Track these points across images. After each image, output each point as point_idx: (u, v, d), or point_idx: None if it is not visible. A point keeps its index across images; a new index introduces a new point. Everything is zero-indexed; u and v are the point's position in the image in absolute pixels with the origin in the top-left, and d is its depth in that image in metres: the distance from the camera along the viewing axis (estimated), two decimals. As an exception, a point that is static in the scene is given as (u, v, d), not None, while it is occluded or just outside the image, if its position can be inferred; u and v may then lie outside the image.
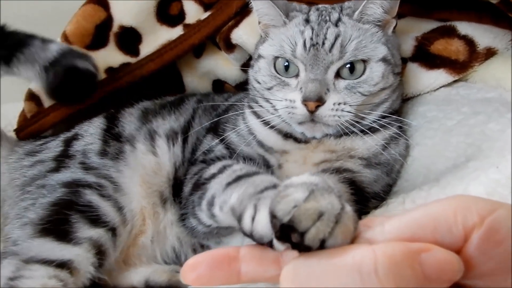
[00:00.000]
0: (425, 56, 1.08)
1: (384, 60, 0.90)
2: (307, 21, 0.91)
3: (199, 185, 0.85)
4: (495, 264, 0.41)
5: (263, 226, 0.53)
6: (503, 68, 1.02)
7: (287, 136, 0.94)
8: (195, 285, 0.48)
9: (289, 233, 0.44)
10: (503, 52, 1.05)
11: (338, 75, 0.88)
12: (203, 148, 1.00)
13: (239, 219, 0.60)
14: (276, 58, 0.91)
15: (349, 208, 0.46)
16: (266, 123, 0.95)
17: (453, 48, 1.05)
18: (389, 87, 0.92)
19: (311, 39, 0.87)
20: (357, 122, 0.89)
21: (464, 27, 1.07)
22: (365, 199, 0.90)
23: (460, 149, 0.86)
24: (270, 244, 0.52)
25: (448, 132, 0.92)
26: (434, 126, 0.96)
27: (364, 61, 0.89)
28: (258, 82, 0.95)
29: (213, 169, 0.85)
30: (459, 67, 1.05)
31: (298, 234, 0.43)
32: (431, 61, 1.07)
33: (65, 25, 1.23)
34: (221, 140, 0.98)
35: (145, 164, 1.00)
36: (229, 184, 0.73)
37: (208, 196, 0.78)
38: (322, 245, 0.43)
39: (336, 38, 0.86)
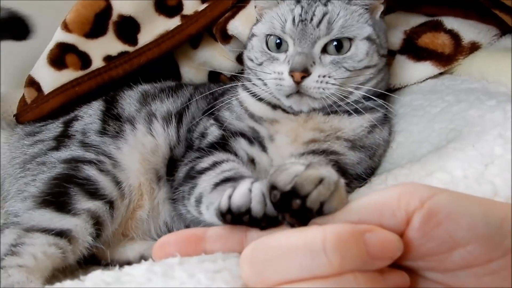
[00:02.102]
0: (413, 49, 1.13)
1: (368, 38, 0.95)
2: (298, 1, 0.97)
3: (191, 177, 0.89)
4: (435, 244, 0.44)
5: (241, 195, 0.56)
6: (486, 61, 1.07)
7: (275, 107, 1.00)
8: None
9: (289, 201, 0.48)
10: (486, 46, 1.11)
11: (325, 51, 0.93)
12: (199, 130, 1.04)
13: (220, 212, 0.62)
14: (268, 36, 0.97)
15: (342, 180, 0.51)
16: (256, 96, 1.01)
17: (439, 41, 1.10)
18: (374, 67, 0.97)
19: (300, 15, 0.93)
20: (343, 98, 0.93)
21: (450, 22, 1.12)
22: (348, 180, 0.95)
23: (443, 134, 0.90)
24: (247, 219, 0.55)
25: (432, 118, 0.96)
26: (419, 114, 1.00)
27: (350, 39, 0.94)
28: (251, 60, 1.01)
29: (204, 163, 0.90)
30: (445, 59, 1.10)
31: (300, 199, 0.47)
32: (419, 53, 1.12)
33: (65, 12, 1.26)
34: (215, 120, 1.03)
35: (145, 144, 1.04)
36: (216, 185, 0.78)
37: (196, 193, 0.83)
38: (320, 209, 0.47)
39: (324, 15, 0.92)
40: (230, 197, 0.58)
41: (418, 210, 0.44)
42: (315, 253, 0.41)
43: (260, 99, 1.01)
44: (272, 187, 0.50)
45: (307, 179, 0.47)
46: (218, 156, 0.92)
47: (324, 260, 0.41)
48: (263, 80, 0.98)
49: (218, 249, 0.53)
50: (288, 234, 0.46)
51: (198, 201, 0.81)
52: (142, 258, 0.94)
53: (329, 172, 0.49)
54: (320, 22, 0.92)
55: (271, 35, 0.97)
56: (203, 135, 1.01)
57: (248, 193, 0.56)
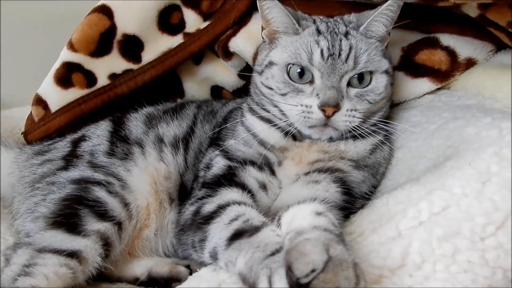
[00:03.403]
0: (410, 65, 1.16)
1: (386, 72, 0.99)
2: (318, 31, 0.98)
3: (198, 225, 0.89)
4: None
5: None
6: (483, 77, 1.10)
7: (286, 134, 1.00)
8: None
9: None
10: (482, 62, 1.14)
11: (348, 84, 0.96)
12: (205, 161, 1.05)
13: (253, 287, 0.66)
14: (290, 65, 0.97)
15: (361, 272, 0.53)
16: (270, 123, 1.02)
17: (436, 58, 1.14)
18: (386, 97, 1.01)
19: (328, 49, 0.94)
20: (356, 127, 0.96)
21: (446, 39, 1.15)
22: (353, 199, 0.98)
23: (440, 150, 0.93)
24: None
25: (430, 135, 0.99)
26: (418, 130, 1.03)
27: (371, 72, 0.97)
28: (270, 88, 1.00)
29: (210, 205, 0.90)
30: (442, 76, 1.13)
31: None
32: (416, 70, 1.15)
33: (66, 26, 1.28)
34: (221, 150, 1.03)
35: (158, 169, 1.06)
36: (230, 240, 0.78)
37: (209, 247, 0.83)
38: None
39: (350, 49, 0.94)
40: None
41: None
42: None
43: (274, 126, 1.01)
44: (289, 268, 0.52)
45: (323, 286, 0.50)
46: (222, 196, 0.91)
47: None
48: (282, 110, 0.99)
49: None
50: None
51: (214, 257, 0.82)
52: (150, 274, 0.97)
53: (347, 280, 0.51)
54: (348, 56, 0.94)
55: (294, 64, 0.97)
56: (208, 166, 1.02)
57: None
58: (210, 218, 0.86)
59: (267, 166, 0.99)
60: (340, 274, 0.51)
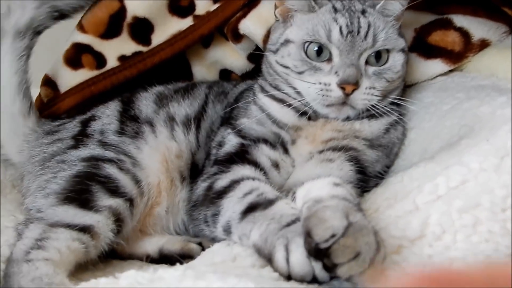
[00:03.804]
0: (423, 46, 1.15)
1: (403, 50, 0.99)
2: (335, 9, 0.97)
3: (210, 200, 0.88)
4: None
5: (302, 266, 0.57)
6: (496, 58, 1.09)
7: (301, 114, 0.99)
8: None
9: (322, 256, 0.50)
10: (496, 43, 1.12)
11: (366, 62, 0.95)
12: (217, 139, 1.05)
13: (268, 258, 0.66)
14: (307, 42, 0.96)
15: (383, 252, 0.52)
16: (282, 101, 1.01)
17: (449, 39, 1.12)
18: (403, 75, 1.01)
19: (347, 26, 0.93)
20: (373, 106, 0.95)
21: (460, 20, 1.14)
22: (367, 178, 0.97)
23: (454, 130, 0.92)
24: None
25: (443, 115, 0.98)
26: (431, 111, 1.02)
27: (387, 51, 0.96)
28: (286, 67, 0.99)
29: (223, 181, 0.89)
30: (455, 57, 1.12)
31: (331, 263, 0.48)
32: (429, 51, 1.14)
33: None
34: (233, 128, 1.02)
35: (170, 148, 1.06)
36: (244, 214, 0.78)
37: (222, 221, 0.83)
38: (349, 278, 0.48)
39: (369, 27, 0.93)
40: (287, 260, 0.59)
41: None
42: None
43: (288, 105, 1.00)
44: (308, 234, 0.51)
45: (343, 250, 0.49)
46: (236, 172, 0.91)
47: None
48: (296, 89, 0.98)
49: None
50: None
51: (227, 231, 0.81)
52: (161, 252, 0.97)
53: (368, 245, 0.50)
54: (367, 34, 0.93)
55: (312, 42, 0.95)
56: (220, 144, 1.02)
57: (308, 262, 0.57)
58: (223, 192, 0.85)
59: (280, 144, 0.98)
60: (361, 239, 0.50)
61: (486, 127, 0.85)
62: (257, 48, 1.32)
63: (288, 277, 0.61)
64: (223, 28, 1.34)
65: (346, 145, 0.96)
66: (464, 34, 1.12)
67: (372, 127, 0.99)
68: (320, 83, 0.93)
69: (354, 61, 0.92)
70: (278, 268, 0.61)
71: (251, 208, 0.77)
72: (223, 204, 0.83)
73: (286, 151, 0.99)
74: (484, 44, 1.11)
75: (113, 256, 0.96)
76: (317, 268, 0.56)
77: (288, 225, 0.67)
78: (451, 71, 1.14)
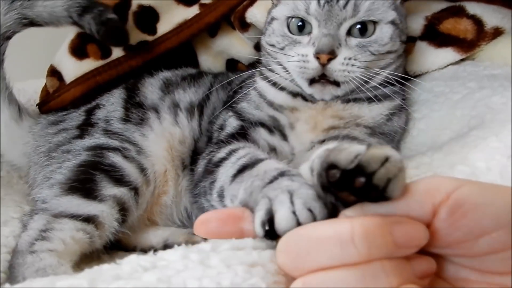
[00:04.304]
0: (434, 35, 1.11)
1: (393, 23, 0.94)
2: None
3: (209, 170, 0.88)
4: (461, 234, 0.46)
5: (287, 220, 0.52)
6: (510, 47, 1.06)
7: (295, 95, 0.99)
8: (205, 237, 0.55)
9: (351, 179, 0.47)
10: (510, 32, 1.09)
11: (349, 33, 0.92)
12: (218, 122, 1.04)
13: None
14: (290, 18, 0.95)
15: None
16: (275, 84, 1.00)
17: (462, 27, 1.09)
18: (395, 52, 0.97)
19: None
20: (363, 83, 0.92)
21: (473, 7, 1.10)
22: None
23: (465, 120, 0.90)
24: None
25: (454, 105, 0.96)
26: (441, 100, 0.99)
27: (374, 23, 0.93)
28: (271, 45, 0.99)
29: (221, 153, 0.89)
30: (467, 45, 1.09)
31: (365, 177, 0.46)
32: (440, 39, 1.11)
33: None
34: (234, 112, 1.02)
35: (173, 134, 1.05)
36: (234, 176, 0.76)
37: (217, 187, 0.82)
38: (385, 187, 0.45)
39: None
40: (264, 222, 0.53)
41: (444, 202, 0.46)
42: (344, 243, 0.44)
43: (281, 88, 1.00)
44: (331, 166, 0.48)
45: (373, 157, 0.47)
46: (235, 144, 0.90)
47: (353, 250, 0.44)
48: (284, 67, 0.97)
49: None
50: (318, 225, 0.49)
51: (221, 196, 0.80)
52: (165, 244, 0.96)
53: (392, 151, 0.48)
54: (346, 3, 0.90)
55: (293, 17, 0.95)
56: (221, 127, 1.01)
57: (293, 216, 0.52)
58: (221, 161, 0.84)
59: (277, 129, 0.97)
60: (384, 147, 0.49)
61: (497, 119, 0.83)
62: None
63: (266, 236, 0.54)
64: (230, 16, 1.32)
65: (348, 134, 0.94)
66: (477, 22, 1.08)
67: (372, 112, 0.97)
68: (298, 55, 0.92)
69: (332, 31, 0.90)
70: (255, 229, 0.55)
71: (241, 170, 0.75)
72: (219, 171, 0.82)
73: (284, 137, 0.97)
74: (497, 32, 1.08)
75: (119, 248, 0.96)
76: (317, 209, 0.53)
77: (271, 181, 0.63)
78: (462, 59, 1.11)
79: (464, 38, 1.08)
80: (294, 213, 0.53)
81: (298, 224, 0.52)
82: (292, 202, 0.54)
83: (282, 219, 0.52)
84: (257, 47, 1.34)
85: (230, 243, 0.51)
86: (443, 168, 0.77)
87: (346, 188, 0.48)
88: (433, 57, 1.10)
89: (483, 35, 1.08)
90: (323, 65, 0.88)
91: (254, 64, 1.36)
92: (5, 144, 1.13)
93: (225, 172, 0.80)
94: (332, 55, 0.88)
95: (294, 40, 0.95)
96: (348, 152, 0.48)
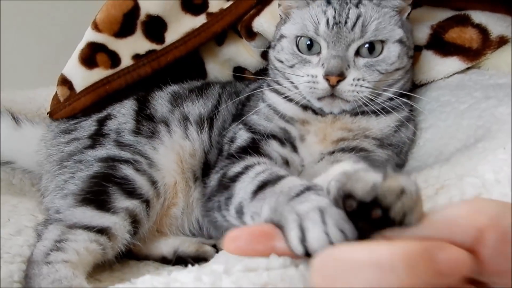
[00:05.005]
0: (439, 44, 1.13)
1: (400, 41, 0.96)
2: (328, 2, 0.97)
3: (224, 185, 0.88)
4: (510, 262, 0.43)
5: (319, 240, 0.51)
6: (516, 55, 1.07)
7: (306, 108, 1.00)
8: (235, 253, 0.53)
9: (368, 211, 0.47)
10: (516, 40, 1.10)
11: (357, 53, 0.94)
12: (229, 135, 1.06)
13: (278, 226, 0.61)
14: (299, 37, 0.97)
15: (420, 189, 0.49)
16: (286, 97, 1.02)
17: (467, 36, 1.10)
18: (403, 68, 0.98)
19: (334, 17, 0.93)
20: (372, 100, 0.94)
21: (478, 16, 1.11)
22: None
23: (471, 130, 0.91)
24: None
25: (460, 115, 0.97)
26: (447, 110, 1.00)
27: (382, 42, 0.95)
28: (280, 61, 1.01)
29: (236, 167, 0.89)
30: (472, 54, 1.10)
31: (381, 210, 0.46)
32: (445, 48, 1.12)
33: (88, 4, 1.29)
34: (244, 124, 1.03)
35: (184, 147, 1.07)
36: (255, 193, 0.77)
37: (235, 203, 0.82)
38: (402, 220, 0.46)
39: (358, 18, 0.92)
40: (302, 240, 0.53)
41: (492, 228, 0.44)
42: (383, 269, 0.42)
43: (290, 100, 1.02)
44: (348, 196, 0.49)
45: (389, 190, 0.47)
46: (249, 160, 0.91)
47: (392, 276, 0.41)
48: (293, 83, 0.99)
49: (285, 247, 0.54)
50: (356, 248, 0.46)
51: (239, 212, 0.80)
52: (176, 253, 0.98)
53: (409, 182, 0.48)
54: (354, 25, 0.92)
55: (302, 36, 0.97)
56: (232, 140, 1.02)
57: (326, 237, 0.52)
58: (237, 176, 0.85)
59: (288, 141, 0.99)
60: (400, 178, 0.48)
61: (504, 129, 0.84)
62: (271, 45, 1.31)
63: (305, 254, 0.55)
64: (237, 25, 1.34)
65: (357, 146, 0.95)
66: (482, 30, 1.09)
67: (380, 124, 0.98)
68: (308, 75, 0.94)
69: (341, 52, 0.91)
70: (292, 249, 0.54)
71: (262, 187, 0.76)
72: (236, 186, 0.83)
73: (294, 149, 0.99)
74: (502, 41, 1.09)
75: (130, 257, 0.98)
76: (348, 230, 0.51)
77: (297, 195, 0.63)
78: (468, 68, 1.12)
79: (469, 47, 1.09)
80: (326, 233, 0.52)
81: (330, 243, 0.51)
82: (323, 222, 0.53)
83: (315, 239, 0.52)
84: (264, 55, 1.35)
85: (243, 263, 0.52)
86: (451, 181, 0.77)
87: (363, 217, 0.48)
88: (439, 66, 1.11)
89: (488, 43, 1.09)
90: (333, 86, 0.91)
91: (261, 72, 1.38)
92: (13, 154, 1.15)
93: (243, 188, 0.81)
94: (341, 76, 0.90)
95: (303, 59, 0.96)
96: (365, 183, 0.48)
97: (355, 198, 0.48)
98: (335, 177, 0.54)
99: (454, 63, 1.11)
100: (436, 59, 1.12)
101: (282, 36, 1.02)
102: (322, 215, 0.54)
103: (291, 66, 0.98)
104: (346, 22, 0.92)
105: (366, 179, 0.49)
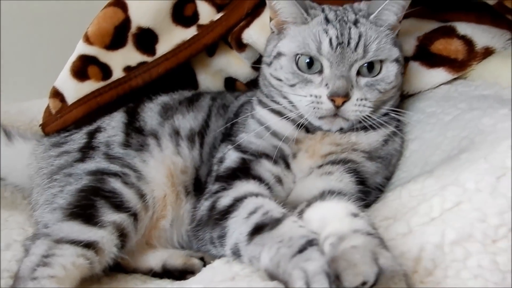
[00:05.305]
0: (426, 55, 1.14)
1: (397, 60, 0.98)
2: (327, 20, 0.97)
3: (215, 221, 0.87)
4: None
5: None
6: (500, 66, 1.08)
7: (298, 126, 0.99)
8: None
9: None
10: (500, 51, 1.11)
11: (358, 73, 0.95)
12: (218, 155, 1.05)
13: (285, 285, 0.65)
14: (298, 55, 0.96)
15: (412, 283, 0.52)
16: (279, 113, 1.01)
17: (453, 47, 1.11)
18: (397, 86, 1.00)
19: (337, 37, 0.93)
20: (369, 116, 0.95)
21: (463, 28, 1.13)
22: (368, 190, 0.98)
23: (455, 142, 0.92)
24: None
25: (445, 126, 0.98)
26: (433, 121, 1.02)
27: (381, 61, 0.96)
28: (279, 79, 0.99)
29: (226, 199, 0.88)
30: (458, 65, 1.11)
31: None
32: (432, 60, 1.13)
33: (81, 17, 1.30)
34: (233, 143, 1.02)
35: (175, 163, 1.07)
36: (251, 235, 0.76)
37: (230, 243, 0.81)
38: None
39: (360, 38, 0.93)
40: None
41: None
42: None
43: (285, 118, 1.00)
44: (336, 277, 0.51)
45: None
46: (238, 188, 0.90)
47: None
48: (291, 102, 0.98)
49: None
50: None
51: (236, 253, 0.80)
52: (164, 266, 0.99)
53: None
54: (357, 45, 0.92)
55: (302, 54, 0.96)
56: (221, 160, 1.02)
57: None
58: (227, 212, 0.85)
59: (281, 159, 0.98)
60: (392, 285, 0.51)
61: (487, 140, 0.85)
62: (261, 56, 1.32)
63: None
64: (227, 36, 1.35)
65: (345, 158, 0.96)
66: (468, 42, 1.11)
67: (369, 139, 0.99)
68: (311, 96, 0.94)
69: (345, 72, 0.92)
70: None
71: (257, 229, 0.76)
72: (228, 225, 0.83)
73: (287, 166, 0.99)
74: (488, 52, 1.10)
75: (118, 270, 0.98)
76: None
77: (300, 251, 0.66)
78: (455, 79, 1.13)
79: (455, 58, 1.11)
80: None
81: None
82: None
83: None
84: (255, 66, 1.36)
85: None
86: (435, 190, 0.79)
87: None
88: (425, 78, 1.13)
89: (473, 55, 1.10)
90: (337, 107, 0.91)
91: (253, 83, 1.39)
92: (3, 168, 1.16)
93: (237, 228, 0.80)
94: (346, 97, 0.91)
95: (305, 78, 0.95)
96: (355, 274, 0.50)
97: (343, 284, 0.50)
98: (329, 236, 0.58)
99: (440, 74, 1.12)
100: (422, 70, 1.13)
101: (280, 54, 1.00)
102: (329, 279, 0.57)
103: (292, 85, 0.97)
104: (349, 43, 0.92)
105: (357, 270, 0.51)
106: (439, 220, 0.72)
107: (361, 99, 0.93)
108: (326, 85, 0.92)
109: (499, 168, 0.74)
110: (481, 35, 1.11)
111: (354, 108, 0.92)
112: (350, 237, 0.65)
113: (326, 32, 0.94)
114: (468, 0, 1.12)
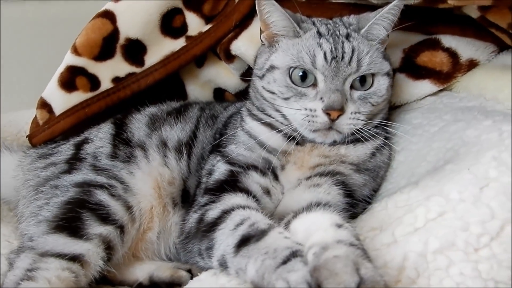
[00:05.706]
0: (411, 67, 1.16)
1: (388, 74, 0.99)
2: (319, 33, 0.97)
3: (203, 233, 0.87)
4: None
5: None
6: (485, 78, 1.10)
7: (289, 138, 1.00)
8: None
9: None
10: (484, 63, 1.13)
11: (351, 86, 0.96)
12: (207, 167, 1.05)
13: None
14: (292, 68, 0.96)
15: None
16: (270, 126, 1.02)
17: (438, 59, 1.13)
18: (388, 98, 1.02)
19: (331, 51, 0.93)
20: (361, 129, 0.96)
21: (448, 40, 1.15)
22: (356, 202, 0.98)
23: (440, 153, 0.93)
24: None
25: (431, 137, 0.99)
26: (419, 132, 1.03)
27: (372, 75, 0.97)
28: (272, 92, 0.99)
29: (214, 211, 0.88)
30: (443, 77, 1.13)
31: None
32: (417, 72, 1.15)
33: (70, 28, 1.29)
34: (222, 156, 1.02)
35: (163, 174, 1.06)
36: (238, 247, 0.76)
37: (217, 255, 0.81)
38: None
39: (353, 52, 0.94)
40: None
41: None
42: None
43: (276, 131, 1.00)
44: (318, 286, 0.52)
45: None
46: (226, 201, 0.90)
47: None
48: (284, 115, 0.99)
49: None
50: None
51: (223, 265, 0.80)
52: (151, 278, 0.98)
53: None
54: (351, 59, 0.93)
55: (296, 67, 0.96)
56: (210, 173, 1.02)
57: None
58: (214, 224, 0.85)
59: (270, 170, 0.98)
60: None
61: (471, 151, 0.86)
62: (250, 67, 1.33)
63: None
64: (216, 48, 1.36)
65: (333, 170, 0.96)
66: (452, 54, 1.13)
67: (358, 152, 1.00)
68: (305, 109, 0.94)
69: (339, 86, 0.93)
70: None
71: (244, 241, 0.76)
72: (215, 238, 0.83)
73: (276, 177, 0.99)
74: (472, 64, 1.13)
75: (104, 282, 0.97)
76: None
77: (284, 262, 0.67)
78: (441, 90, 1.15)
79: (440, 71, 1.13)
80: None
81: None
82: None
83: None
84: (244, 76, 1.37)
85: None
86: (420, 200, 0.79)
87: None
88: (411, 89, 1.14)
89: (458, 67, 1.12)
90: (333, 120, 0.92)
91: (242, 93, 1.40)
92: None
93: (224, 240, 0.80)
94: (341, 111, 0.92)
95: (299, 92, 0.96)
96: (337, 283, 0.51)
97: None
98: (313, 246, 0.59)
99: (426, 86, 1.14)
100: (408, 82, 1.15)
101: (273, 67, 1.00)
102: None
103: (286, 99, 0.97)
104: (343, 57, 0.93)
105: (339, 279, 0.52)
106: (423, 230, 0.73)
107: (355, 113, 0.94)
108: (321, 98, 0.93)
109: (483, 178, 0.76)
110: (465, 47, 1.13)
111: (349, 122, 0.93)
112: (333, 247, 0.66)
113: (320, 46, 0.95)
114: (452, 14, 1.14)
